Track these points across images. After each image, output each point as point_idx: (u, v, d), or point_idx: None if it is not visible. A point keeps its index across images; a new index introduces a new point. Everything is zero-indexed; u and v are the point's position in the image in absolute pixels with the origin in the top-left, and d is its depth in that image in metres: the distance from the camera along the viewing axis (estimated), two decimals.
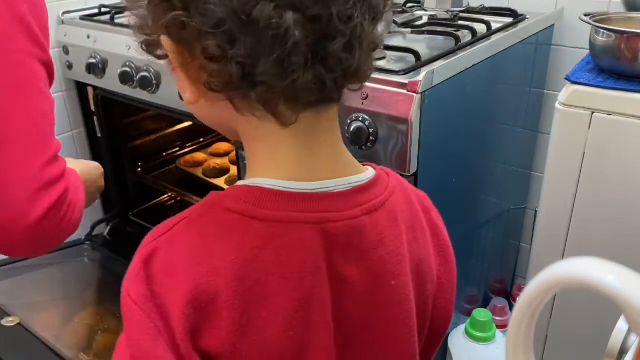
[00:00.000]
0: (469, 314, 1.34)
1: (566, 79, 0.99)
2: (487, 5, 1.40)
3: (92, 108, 1.58)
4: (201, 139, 1.87)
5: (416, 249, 0.53)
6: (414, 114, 0.92)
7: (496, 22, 1.24)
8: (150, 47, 0.47)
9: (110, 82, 1.41)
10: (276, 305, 0.45)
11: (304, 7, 0.39)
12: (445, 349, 1.35)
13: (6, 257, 1.54)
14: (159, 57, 0.47)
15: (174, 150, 1.82)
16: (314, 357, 0.47)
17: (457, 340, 1.33)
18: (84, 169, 0.87)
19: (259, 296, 0.44)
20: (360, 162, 0.52)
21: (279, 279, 0.45)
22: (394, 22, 1.28)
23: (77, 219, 0.72)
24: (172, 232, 0.46)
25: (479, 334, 1.29)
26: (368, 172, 0.51)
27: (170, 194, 1.79)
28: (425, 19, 1.39)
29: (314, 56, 0.41)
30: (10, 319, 1.27)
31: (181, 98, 0.50)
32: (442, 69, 0.97)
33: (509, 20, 1.27)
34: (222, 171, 1.67)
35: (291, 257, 0.45)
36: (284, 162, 0.47)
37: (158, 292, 0.44)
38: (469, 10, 1.36)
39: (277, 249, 0.45)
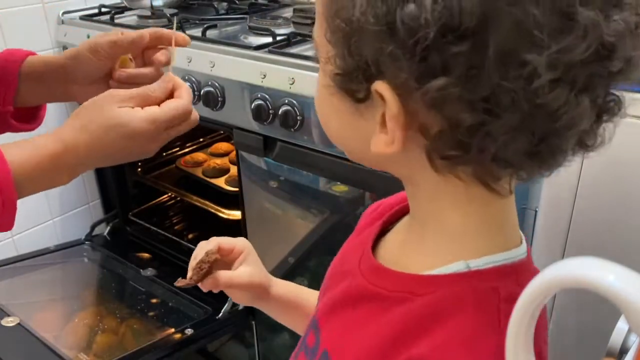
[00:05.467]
0: None
1: None
2: None
3: None
4: (201, 139, 1.87)
5: None
6: None
7: None
8: (348, 82, 0.36)
9: None
10: None
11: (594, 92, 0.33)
12: None
13: (6, 257, 1.54)
14: (352, 96, 0.36)
15: (173, 150, 1.82)
16: None
17: None
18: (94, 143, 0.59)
19: None
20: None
21: None
22: None
23: None
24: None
25: None
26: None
27: (170, 194, 1.78)
28: None
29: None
30: (10, 319, 1.27)
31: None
32: None
33: None
34: (222, 171, 1.67)
35: None
36: (501, 229, 0.40)
37: None
38: None
39: None
